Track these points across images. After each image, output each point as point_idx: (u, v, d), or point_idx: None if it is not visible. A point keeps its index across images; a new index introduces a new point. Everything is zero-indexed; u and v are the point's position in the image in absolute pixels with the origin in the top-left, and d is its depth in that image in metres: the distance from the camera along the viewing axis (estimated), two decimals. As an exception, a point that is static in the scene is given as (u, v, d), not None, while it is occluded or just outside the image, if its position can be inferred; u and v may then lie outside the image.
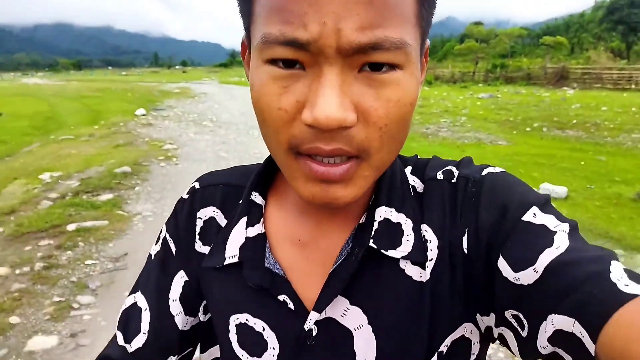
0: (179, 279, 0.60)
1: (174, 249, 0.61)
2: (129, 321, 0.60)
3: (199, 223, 0.61)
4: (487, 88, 23.95)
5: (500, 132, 10.83)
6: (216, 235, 0.58)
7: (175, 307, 0.59)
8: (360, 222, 0.53)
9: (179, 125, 12.41)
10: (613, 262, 0.40)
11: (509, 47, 34.64)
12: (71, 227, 4.50)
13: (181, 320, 0.60)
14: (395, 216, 0.52)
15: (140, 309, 0.60)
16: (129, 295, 0.63)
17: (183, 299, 0.60)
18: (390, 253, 0.50)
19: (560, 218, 0.46)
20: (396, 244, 0.51)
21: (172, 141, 9.68)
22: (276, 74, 0.41)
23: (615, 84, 22.99)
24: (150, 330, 0.59)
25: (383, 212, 0.52)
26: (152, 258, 0.63)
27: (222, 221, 0.59)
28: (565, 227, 0.44)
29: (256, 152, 8.24)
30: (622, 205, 5.37)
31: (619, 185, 6.14)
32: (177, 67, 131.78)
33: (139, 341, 0.58)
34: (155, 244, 0.64)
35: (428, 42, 0.49)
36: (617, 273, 0.38)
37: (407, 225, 0.52)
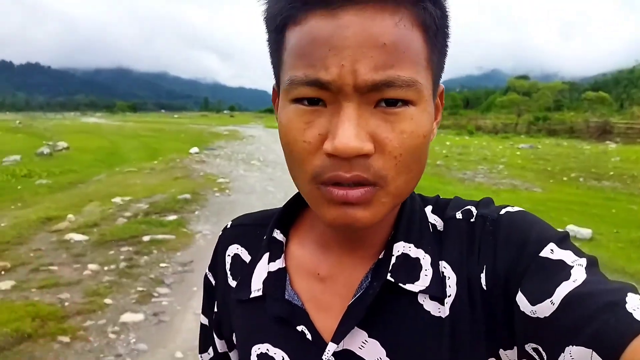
0: (216, 309, 0.67)
1: (213, 282, 0.69)
2: (205, 338, 0.72)
3: (228, 260, 0.66)
4: (529, 139, 24.20)
5: (536, 180, 11.16)
6: (241, 270, 0.63)
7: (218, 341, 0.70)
8: (380, 257, 0.55)
9: (229, 163, 13.40)
10: (629, 294, 0.40)
11: (551, 101, 34.80)
12: (146, 238, 5.31)
13: (220, 345, 0.70)
14: (414, 251, 0.54)
15: (206, 327, 0.71)
16: (202, 314, 0.73)
17: (212, 325, 0.70)
18: (409, 287, 0.51)
19: (579, 254, 0.46)
20: (414, 278, 0.52)
21: (224, 176, 10.58)
22: (301, 111, 0.45)
23: (660, 139, 22.61)
24: (214, 347, 0.71)
25: (401, 247, 0.54)
26: (206, 287, 0.71)
27: (246, 257, 0.64)
28: (583, 261, 0.45)
29: (301, 188, 8.93)
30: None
31: (630, 230, 6.43)
32: (225, 111, 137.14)
33: (211, 353, 0.72)
34: (204, 280, 0.72)
35: (442, 85, 0.54)
36: (633, 303, 0.39)
37: (425, 260, 0.53)
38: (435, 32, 0.46)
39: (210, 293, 0.69)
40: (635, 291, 0.41)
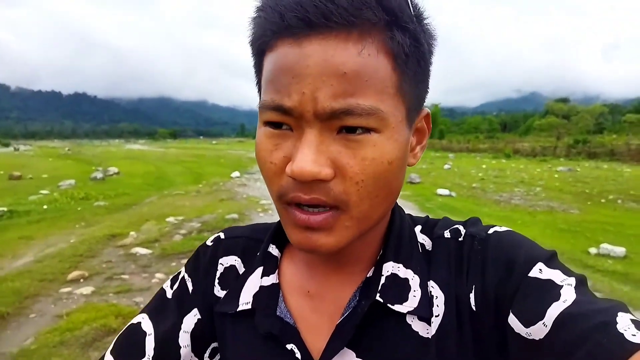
0: (192, 316, 0.61)
1: (191, 288, 0.63)
2: (129, 344, 0.60)
3: (220, 269, 0.64)
4: (568, 162, 23.91)
5: (574, 202, 11.20)
6: (234, 282, 0.62)
7: (185, 339, 0.60)
8: (368, 275, 0.55)
9: (269, 187, 13.99)
10: (620, 313, 0.41)
11: (591, 124, 34.21)
12: (202, 252, 5.83)
13: (186, 354, 0.60)
14: (403, 272, 0.54)
15: (144, 333, 0.60)
16: (129, 324, 0.62)
17: (194, 334, 0.61)
18: (397, 308, 0.51)
19: (567, 272, 0.47)
20: (403, 299, 0.52)
21: (265, 198, 11.11)
22: (269, 133, 0.47)
23: None
24: (155, 356, 0.58)
25: (390, 267, 0.54)
26: (166, 292, 0.64)
27: (242, 269, 0.63)
28: (572, 280, 0.45)
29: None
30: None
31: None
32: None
33: None
34: (172, 281, 0.66)
35: (426, 109, 0.54)
36: (623, 323, 0.39)
37: (414, 281, 0.53)
38: (405, 59, 0.46)
39: (182, 299, 0.63)
40: (625, 310, 0.42)
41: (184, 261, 4.62)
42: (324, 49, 0.43)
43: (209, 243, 0.68)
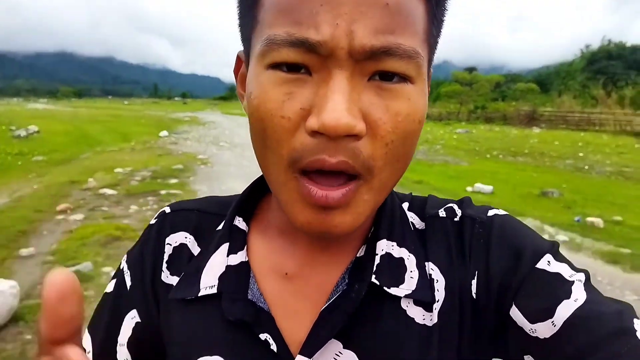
0: (130, 320, 0.53)
1: (129, 283, 0.54)
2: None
3: (168, 250, 0.54)
4: (467, 126, 26.90)
5: (465, 157, 13.43)
6: (187, 264, 0.53)
7: (122, 354, 0.52)
8: (358, 255, 0.49)
9: (200, 145, 14.90)
10: (635, 320, 0.39)
11: (489, 91, 38.12)
12: (162, 192, 6.99)
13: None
14: (397, 251, 0.49)
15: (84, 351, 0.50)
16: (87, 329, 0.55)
17: (131, 343, 0.52)
18: (393, 291, 0.46)
19: (573, 267, 0.45)
20: (399, 281, 0.47)
21: (201, 154, 12.16)
22: (279, 79, 0.39)
23: (577, 125, 26.11)
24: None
25: (384, 246, 0.48)
26: (106, 295, 0.56)
27: (195, 249, 0.54)
28: (581, 276, 0.43)
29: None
30: (530, 197, 7.90)
31: (524, 188, 8.68)
32: (176, 98, 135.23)
33: None
34: (112, 279, 0.57)
35: (431, 69, 0.47)
36: None
37: (409, 261, 0.48)
38: (437, 3, 0.41)
39: (118, 300, 0.54)
40: (636, 314, 0.40)
41: (150, 199, 5.84)
42: None
43: (152, 221, 0.58)
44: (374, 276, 0.47)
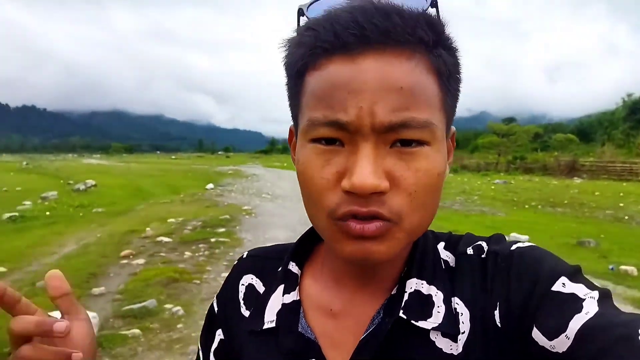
0: (217, 336, 0.67)
1: (216, 309, 0.69)
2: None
3: (242, 289, 0.66)
4: (506, 176, 26.87)
5: (502, 207, 13.55)
6: (255, 301, 0.64)
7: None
8: (392, 293, 0.56)
9: (244, 196, 15.67)
10: None
11: (528, 142, 37.99)
12: (212, 239, 7.61)
13: None
14: (427, 288, 0.54)
15: (199, 350, 0.71)
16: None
17: (217, 353, 0.67)
18: (421, 324, 0.52)
19: (591, 286, 0.47)
20: (427, 315, 0.52)
21: (245, 205, 12.85)
22: (319, 150, 0.47)
23: (619, 175, 25.75)
24: None
25: (414, 284, 0.54)
26: (206, 319, 0.71)
27: (260, 288, 0.65)
28: (595, 294, 0.45)
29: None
30: (566, 247, 8.03)
31: (561, 237, 8.77)
32: (220, 152, 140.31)
33: None
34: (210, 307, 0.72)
35: (453, 128, 0.56)
36: None
37: (437, 297, 0.53)
38: (448, 77, 0.49)
39: (209, 319, 0.70)
40: None
41: (201, 246, 6.46)
42: (381, 65, 0.45)
43: (235, 263, 0.72)
44: (401, 311, 0.52)
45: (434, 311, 0.53)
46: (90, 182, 20.58)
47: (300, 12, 0.53)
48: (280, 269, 0.64)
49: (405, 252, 0.57)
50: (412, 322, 0.52)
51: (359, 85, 0.44)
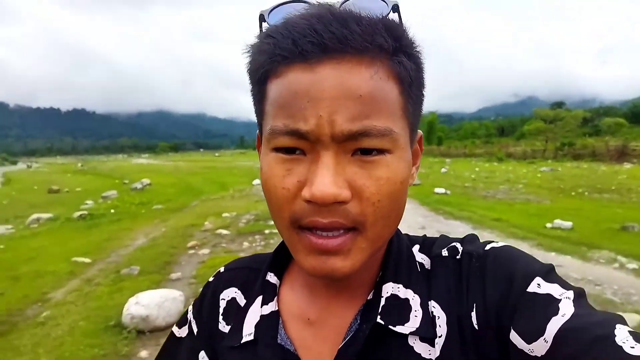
0: (201, 359, 0.63)
1: (195, 330, 0.65)
2: None
3: (222, 304, 0.64)
4: (553, 164, 26.36)
5: (548, 195, 13.51)
6: (235, 314, 0.62)
7: None
8: (368, 298, 0.55)
9: (290, 191, 16.28)
10: (618, 326, 0.41)
11: (576, 127, 36.76)
12: (266, 231, 8.21)
13: None
14: (403, 292, 0.54)
15: None
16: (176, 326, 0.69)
17: None
18: (398, 329, 0.51)
19: (565, 286, 0.47)
20: (404, 319, 0.52)
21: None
22: (280, 159, 0.47)
23: (673, 159, 24.58)
24: None
25: (390, 288, 0.54)
26: (176, 336, 0.68)
27: (242, 301, 0.63)
28: (570, 294, 0.46)
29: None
30: (610, 232, 8.13)
31: (605, 223, 8.84)
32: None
33: None
34: (179, 324, 0.69)
35: (420, 132, 0.56)
36: (622, 336, 0.40)
37: (414, 301, 0.53)
38: (410, 83, 0.48)
39: (191, 343, 0.66)
40: (623, 322, 0.42)
41: (257, 237, 7.05)
42: (339, 73, 0.44)
43: (210, 279, 0.69)
44: (379, 317, 0.52)
45: (412, 315, 0.52)
46: (146, 181, 21.80)
47: (262, 18, 0.52)
48: (258, 280, 0.63)
49: (379, 256, 0.57)
50: (390, 327, 0.52)
51: (318, 94, 0.44)
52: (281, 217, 0.48)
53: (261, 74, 0.49)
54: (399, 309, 0.53)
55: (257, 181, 19.88)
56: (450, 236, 0.61)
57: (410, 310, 0.53)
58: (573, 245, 7.17)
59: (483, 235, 7.60)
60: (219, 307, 0.65)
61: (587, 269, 5.92)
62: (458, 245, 0.57)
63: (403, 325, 0.52)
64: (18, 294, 5.29)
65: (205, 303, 0.67)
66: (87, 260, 6.76)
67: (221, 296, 0.65)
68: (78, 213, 11.70)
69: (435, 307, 0.53)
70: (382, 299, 0.54)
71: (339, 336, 0.55)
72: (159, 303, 4.09)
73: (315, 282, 0.59)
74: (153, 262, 6.39)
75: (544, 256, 6.55)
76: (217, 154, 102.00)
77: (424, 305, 0.53)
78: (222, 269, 0.70)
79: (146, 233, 8.84)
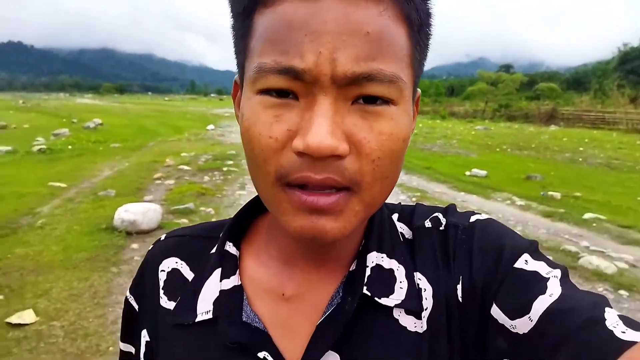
0: (143, 338, 0.58)
1: (136, 306, 0.60)
2: None
3: (162, 276, 0.57)
4: (489, 123, 28.45)
5: (476, 150, 15.21)
6: (182, 289, 0.55)
7: None
8: (351, 269, 0.51)
9: (244, 137, 17.18)
10: (607, 309, 0.40)
11: (516, 90, 39.26)
12: (224, 168, 9.25)
13: None
14: (387, 262, 0.51)
15: (131, 355, 0.61)
16: (121, 342, 0.64)
17: (147, 358, 0.58)
18: (384, 301, 0.48)
19: (551, 264, 0.46)
20: (389, 291, 0.49)
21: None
22: (268, 103, 0.41)
23: (593, 123, 27.52)
24: None
25: (375, 258, 0.51)
26: (124, 318, 0.63)
27: (189, 274, 0.56)
28: (557, 273, 0.45)
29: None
30: (517, 180, 9.74)
31: (515, 174, 10.47)
32: (212, 94, 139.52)
33: None
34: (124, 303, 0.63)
35: (419, 91, 0.50)
36: (612, 320, 0.39)
37: (399, 271, 0.50)
38: (419, 28, 0.43)
39: (131, 320, 0.60)
40: (609, 304, 0.42)
41: (215, 173, 8.43)
42: (344, 4, 0.38)
43: (149, 248, 0.62)
44: (365, 287, 0.48)
45: (396, 287, 0.49)
46: (97, 120, 21.91)
47: None
48: (213, 251, 0.56)
49: (363, 224, 0.53)
50: (376, 299, 0.48)
51: (319, 27, 0.38)
52: (265, 171, 0.42)
53: (248, 3, 0.43)
54: (384, 280, 0.50)
55: (211, 126, 20.56)
56: (425, 204, 0.59)
57: (395, 282, 0.50)
58: (482, 188, 8.70)
59: (412, 179, 9.05)
60: (158, 279, 0.57)
61: (486, 204, 7.47)
62: (440, 216, 0.55)
63: (388, 297, 0.49)
64: (6, 209, 6.11)
65: (144, 274, 0.60)
66: (62, 185, 7.59)
67: (160, 267, 0.58)
68: (36, 147, 12.14)
69: (421, 279, 0.50)
70: (367, 268, 0.50)
71: (318, 311, 0.50)
72: (143, 212, 5.17)
73: (291, 253, 0.53)
74: (125, 187, 7.35)
75: (454, 195, 8.05)
76: (166, 99, 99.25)
77: (409, 277, 0.50)
78: (162, 237, 0.63)
79: (111, 167, 9.64)
